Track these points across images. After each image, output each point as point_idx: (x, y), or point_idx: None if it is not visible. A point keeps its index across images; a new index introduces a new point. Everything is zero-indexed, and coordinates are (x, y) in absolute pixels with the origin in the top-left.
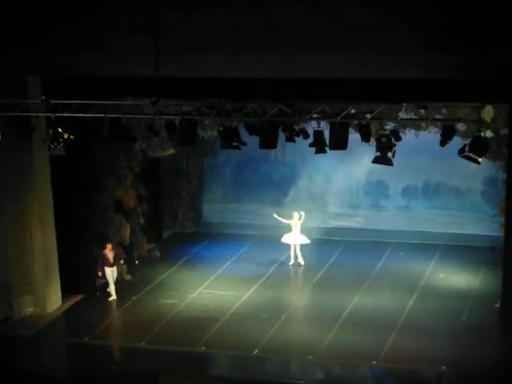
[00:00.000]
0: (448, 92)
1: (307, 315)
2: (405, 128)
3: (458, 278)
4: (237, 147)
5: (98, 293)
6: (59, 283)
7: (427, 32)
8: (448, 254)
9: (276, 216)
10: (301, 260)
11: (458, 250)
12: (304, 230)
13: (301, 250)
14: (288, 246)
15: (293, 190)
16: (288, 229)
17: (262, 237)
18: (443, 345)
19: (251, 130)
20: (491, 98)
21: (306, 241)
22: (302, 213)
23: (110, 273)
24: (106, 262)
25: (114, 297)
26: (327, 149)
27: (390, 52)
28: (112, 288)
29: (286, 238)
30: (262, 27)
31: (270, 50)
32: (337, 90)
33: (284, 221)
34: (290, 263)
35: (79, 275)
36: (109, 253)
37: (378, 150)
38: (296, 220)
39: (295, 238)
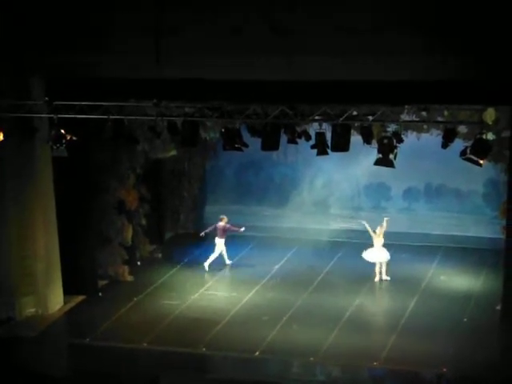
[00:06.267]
0: (450, 94)
1: (309, 317)
2: (406, 130)
3: (459, 280)
4: (239, 149)
5: (99, 294)
6: (61, 284)
7: (429, 34)
8: (449, 256)
9: (365, 223)
10: (385, 276)
11: (460, 252)
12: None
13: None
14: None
15: (294, 192)
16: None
17: (264, 238)
18: (444, 347)
19: (253, 132)
20: (493, 100)
21: (387, 258)
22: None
23: (219, 244)
24: (217, 233)
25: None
26: (329, 151)
27: (392, 54)
28: (212, 259)
29: (367, 255)
30: (265, 29)
31: (272, 52)
32: (339, 91)
33: (370, 231)
34: (376, 279)
35: (81, 276)
36: (222, 225)
37: (379, 152)
38: (379, 232)
39: (378, 256)
